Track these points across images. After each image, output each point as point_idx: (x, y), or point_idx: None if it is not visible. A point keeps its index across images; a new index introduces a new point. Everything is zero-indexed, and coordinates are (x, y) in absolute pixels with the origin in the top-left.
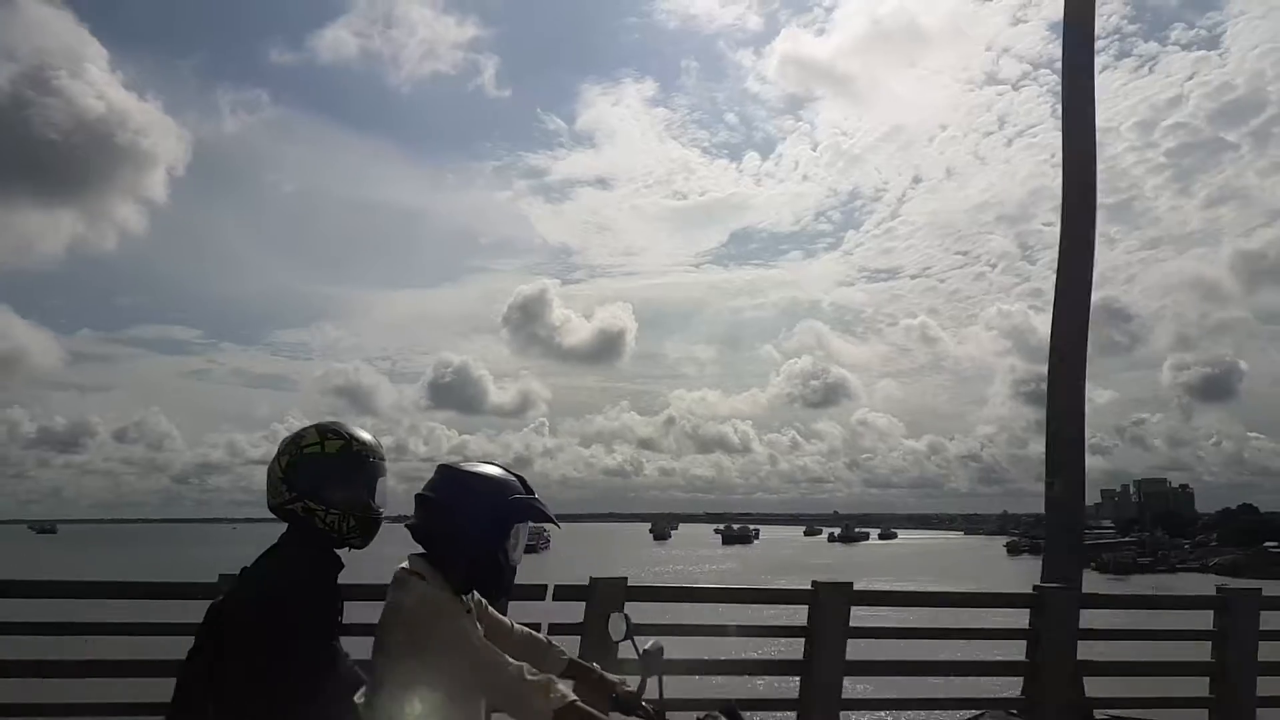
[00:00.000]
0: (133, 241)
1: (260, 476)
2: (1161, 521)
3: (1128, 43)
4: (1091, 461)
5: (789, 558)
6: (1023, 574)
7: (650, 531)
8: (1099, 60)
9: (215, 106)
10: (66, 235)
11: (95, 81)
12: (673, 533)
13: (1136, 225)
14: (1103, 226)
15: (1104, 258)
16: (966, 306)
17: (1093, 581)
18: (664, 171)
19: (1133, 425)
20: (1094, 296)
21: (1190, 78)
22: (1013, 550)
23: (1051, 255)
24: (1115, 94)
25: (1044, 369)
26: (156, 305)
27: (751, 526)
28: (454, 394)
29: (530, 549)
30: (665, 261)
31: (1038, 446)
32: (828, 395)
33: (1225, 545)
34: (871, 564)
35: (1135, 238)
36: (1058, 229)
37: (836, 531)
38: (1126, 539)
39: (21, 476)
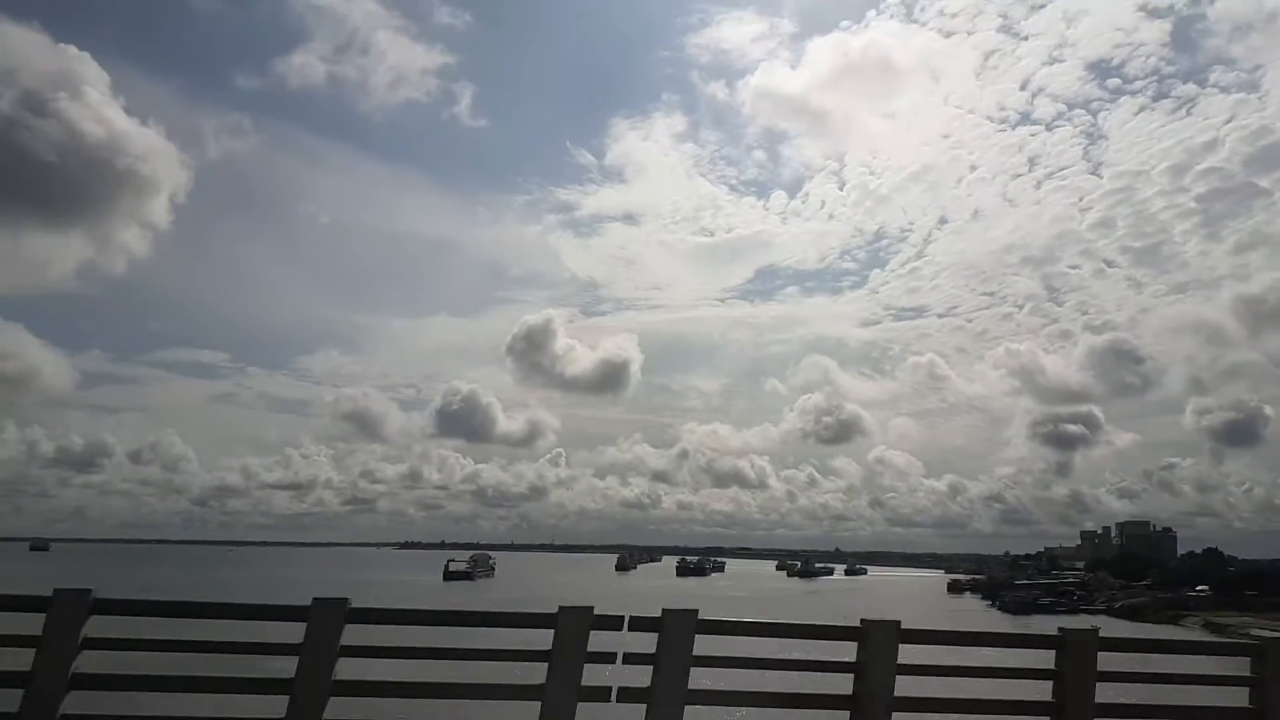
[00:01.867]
0: (151, 266)
1: (277, 500)
2: (1115, 565)
3: (1166, 84)
4: (1119, 505)
5: (714, 589)
6: (903, 612)
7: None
8: (1135, 101)
9: (203, 131)
10: (80, 258)
11: (94, 104)
12: (642, 565)
13: (1164, 269)
14: (1129, 270)
15: (1130, 300)
16: (993, 346)
17: (992, 620)
18: (691, 208)
19: (1161, 470)
20: (1110, 338)
21: (1229, 120)
22: (953, 589)
23: (1078, 298)
24: (1150, 136)
25: (1060, 410)
26: (184, 330)
27: (715, 560)
28: (462, 422)
29: (464, 576)
30: (690, 296)
31: (1060, 489)
32: (841, 432)
33: (1154, 589)
34: (787, 598)
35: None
36: (1084, 270)
37: (798, 565)
38: (1066, 580)
39: (45, 495)
